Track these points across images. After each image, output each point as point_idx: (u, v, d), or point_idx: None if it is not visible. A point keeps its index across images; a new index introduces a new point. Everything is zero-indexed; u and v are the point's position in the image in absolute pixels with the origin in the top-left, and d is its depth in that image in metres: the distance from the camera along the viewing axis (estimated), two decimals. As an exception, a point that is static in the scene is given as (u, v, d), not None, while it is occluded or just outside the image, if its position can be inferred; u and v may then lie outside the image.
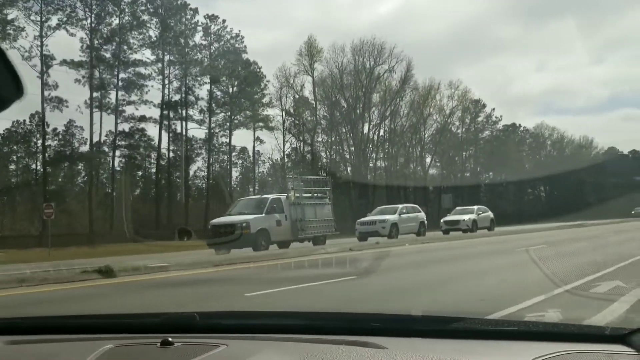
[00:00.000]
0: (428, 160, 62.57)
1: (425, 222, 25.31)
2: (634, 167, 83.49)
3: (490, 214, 29.57)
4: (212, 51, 51.74)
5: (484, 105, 66.39)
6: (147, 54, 48.17)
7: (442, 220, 28.07)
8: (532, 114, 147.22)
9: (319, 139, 56.82)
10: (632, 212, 56.78)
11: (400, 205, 25.26)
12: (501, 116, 69.06)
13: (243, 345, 1.69)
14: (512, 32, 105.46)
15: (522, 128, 76.54)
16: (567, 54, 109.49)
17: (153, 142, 49.95)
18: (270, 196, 19.72)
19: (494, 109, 67.45)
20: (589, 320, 2.28)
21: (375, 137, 57.73)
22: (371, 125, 56.96)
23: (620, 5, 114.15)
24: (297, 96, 54.98)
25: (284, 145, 54.33)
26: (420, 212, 25.41)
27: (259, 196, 20.39)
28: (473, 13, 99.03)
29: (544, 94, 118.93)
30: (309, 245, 19.95)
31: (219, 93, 52.80)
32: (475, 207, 29.32)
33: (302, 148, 57.14)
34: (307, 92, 55.52)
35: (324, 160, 56.70)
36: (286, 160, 55.86)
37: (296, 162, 56.43)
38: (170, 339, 1.65)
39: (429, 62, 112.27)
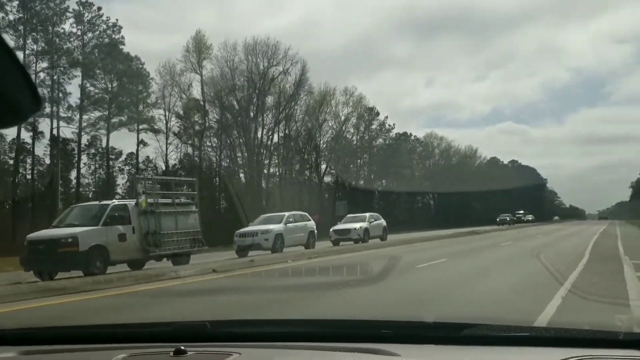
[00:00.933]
0: (323, 167, 59.47)
1: (315, 231, 21.34)
2: (513, 176, 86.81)
3: (382, 222, 26.22)
4: (85, 41, 44.81)
5: (378, 114, 64.84)
6: (7, 40, 40.34)
7: (331, 230, 24.28)
8: (422, 126, 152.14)
9: (209, 143, 51.57)
10: (497, 220, 56.75)
11: (287, 213, 21.10)
12: (394, 124, 68.03)
13: (255, 354, 1.68)
14: (405, 49, 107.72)
15: (413, 137, 76.42)
16: (453, 71, 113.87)
17: (28, 146, 42.14)
18: (112, 202, 14.64)
19: (387, 117, 66.18)
20: (601, 325, 1.78)
21: (270, 142, 53.55)
22: (265, 130, 52.73)
23: (501, 27, 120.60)
24: (184, 96, 49.38)
25: (166, 149, 48.39)
26: (309, 220, 21.41)
27: (96, 202, 15.17)
28: (369, 28, 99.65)
29: (432, 108, 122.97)
30: (168, 264, 15.20)
31: (93, 89, 45.80)
32: (367, 214, 25.77)
33: (192, 152, 51.51)
34: (196, 92, 50.16)
35: (214, 165, 51.50)
36: (171, 165, 49.88)
37: (183, 168, 50.70)
38: (182, 348, 1.62)
39: (326, 72, 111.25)
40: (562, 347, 1.58)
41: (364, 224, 23.98)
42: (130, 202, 14.70)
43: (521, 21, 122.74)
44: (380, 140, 67.40)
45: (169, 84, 49.01)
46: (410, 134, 76.02)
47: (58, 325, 2.53)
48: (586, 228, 39.86)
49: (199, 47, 48.45)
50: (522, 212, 68.66)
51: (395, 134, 69.85)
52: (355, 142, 63.74)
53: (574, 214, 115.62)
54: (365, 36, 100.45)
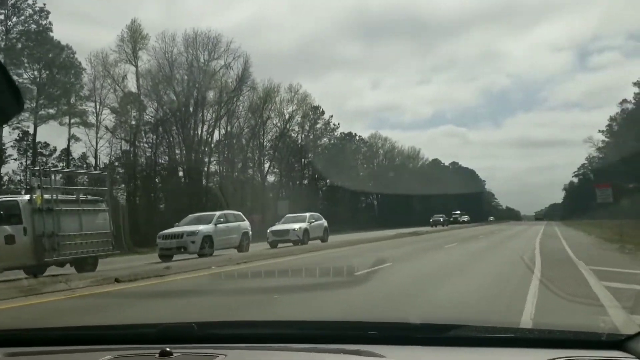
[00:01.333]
0: (267, 165, 57.37)
1: (250, 233, 19.33)
2: (453, 178, 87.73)
3: (323, 222, 24.39)
4: (9, 26, 40.79)
5: (323, 112, 63.40)
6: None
7: (269, 231, 22.29)
8: (367, 128, 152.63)
9: (145, 139, 48.34)
10: (431, 221, 55.59)
11: (217, 213, 18.99)
12: (339, 124, 66.82)
13: (241, 355, 1.66)
14: (353, 51, 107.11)
15: (358, 137, 75.58)
16: (399, 74, 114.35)
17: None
18: (-5, 199, 12.18)
19: (331, 116, 64.82)
20: (585, 327, 1.84)
21: (211, 139, 50.91)
22: (206, 126, 50.06)
23: (445, 33, 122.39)
24: (118, 88, 45.98)
25: (96, 144, 44.89)
26: (243, 220, 19.38)
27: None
28: (317, 30, 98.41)
29: (378, 109, 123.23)
30: (71, 270, 12.86)
31: (19, 79, 41.74)
32: (308, 214, 23.81)
33: (128, 149, 48.07)
34: (131, 85, 46.86)
35: (151, 162, 48.33)
36: (103, 162, 46.36)
37: (118, 165, 47.33)
38: (168, 349, 1.60)
39: (273, 72, 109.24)
40: (546, 348, 1.59)
41: (303, 225, 22.12)
42: (23, 199, 12.28)
43: (464, 28, 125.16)
44: (325, 139, 66.08)
45: (102, 75, 45.57)
46: (355, 134, 75.24)
47: (42, 327, 2.37)
48: (526, 229, 39.88)
49: (134, 37, 45.26)
50: (458, 212, 68.86)
51: (340, 133, 68.82)
52: (300, 141, 62.04)
53: (511, 215, 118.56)
54: (313, 37, 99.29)
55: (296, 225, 21.88)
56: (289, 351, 1.66)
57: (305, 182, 62.74)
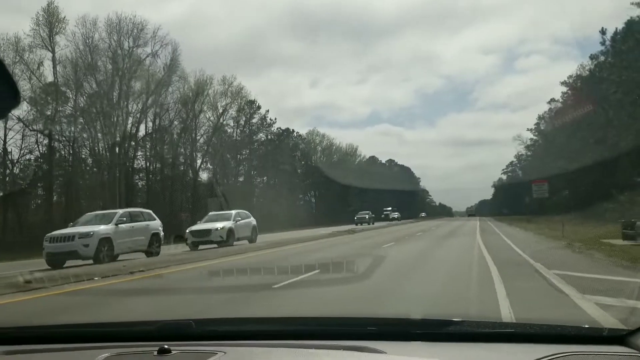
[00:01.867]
0: (199, 161, 53.85)
1: (161, 234, 16.39)
2: (390, 175, 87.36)
3: (252, 220, 21.42)
4: None
5: (259, 107, 60.54)
6: None
7: (188, 231, 19.26)
8: (306, 126, 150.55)
9: (65, 132, 43.65)
10: (355, 218, 50.24)
11: (120, 211, 15.98)
12: (275, 119, 64.16)
13: (240, 352, 1.62)
14: (291, 49, 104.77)
15: (295, 134, 73.24)
16: (336, 73, 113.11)
17: None
18: None
19: (268, 111, 62.03)
20: (587, 322, 1.92)
21: (136, 132, 46.84)
22: (132, 119, 45.96)
23: (382, 34, 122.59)
24: (32, 76, 41.13)
25: (5, 135, 39.96)
26: (154, 219, 16.44)
27: None
28: (257, 26, 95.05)
29: (316, 108, 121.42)
30: None
31: None
32: (234, 211, 20.80)
33: (46, 142, 43.20)
34: (48, 73, 42.08)
35: (70, 157, 43.80)
36: (17, 157, 41.37)
37: (30, 159, 42.51)
38: (166, 347, 1.57)
39: (210, 68, 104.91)
40: (547, 344, 1.56)
41: (228, 223, 19.17)
42: None
43: (400, 29, 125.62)
44: (262, 135, 63.22)
45: (14, 61, 40.57)
46: (293, 130, 72.85)
47: (41, 325, 2.33)
48: (462, 225, 38.92)
49: (50, 20, 40.60)
50: (389, 209, 67.19)
51: (277, 128, 66.20)
52: (235, 137, 58.93)
53: (443, 211, 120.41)
54: (252, 34, 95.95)
55: (219, 225, 18.99)
56: (287, 347, 1.62)
57: (241, 179, 59.71)
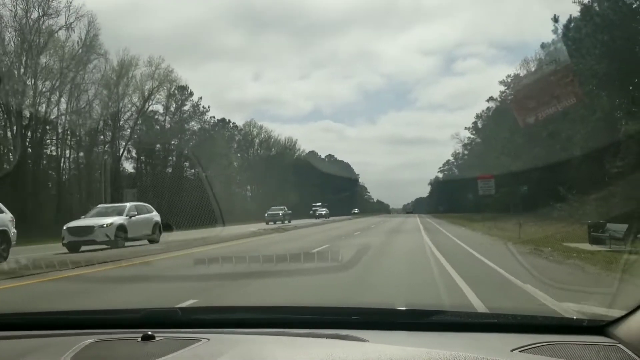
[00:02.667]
0: (122, 150, 48.51)
1: (11, 233, 12.11)
2: (329, 170, 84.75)
3: (154, 215, 16.99)
4: None
5: (191, 94, 55.72)
6: None
7: (64, 228, 14.91)
8: (247, 119, 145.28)
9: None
10: (266, 215, 42.35)
11: (128, 204, 13.18)
12: (209, 107, 59.49)
13: (224, 339, 1.60)
14: (234, 42, 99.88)
15: (232, 124, 68.82)
16: (279, 67, 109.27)
17: None
18: None
19: (201, 98, 57.23)
20: (567, 312, 1.97)
21: (48, 115, 41.03)
22: (43, 99, 40.16)
23: (325, 30, 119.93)
24: None
25: None
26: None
27: None
28: (197, 17, 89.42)
29: (258, 102, 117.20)
30: None
31: None
32: (129, 204, 16.42)
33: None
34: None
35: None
36: None
37: None
38: (150, 333, 1.56)
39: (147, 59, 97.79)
40: (529, 333, 1.57)
41: (118, 219, 15.05)
42: None
43: (344, 26, 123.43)
44: (194, 123, 58.40)
45: None
46: (229, 120, 68.44)
47: (25, 312, 2.28)
48: (402, 223, 36.37)
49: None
50: (319, 204, 62.28)
51: (211, 117, 61.64)
52: (164, 123, 53.92)
53: (381, 208, 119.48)
54: (193, 24, 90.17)
55: (107, 220, 14.85)
56: (271, 335, 1.62)
57: (169, 170, 54.70)
